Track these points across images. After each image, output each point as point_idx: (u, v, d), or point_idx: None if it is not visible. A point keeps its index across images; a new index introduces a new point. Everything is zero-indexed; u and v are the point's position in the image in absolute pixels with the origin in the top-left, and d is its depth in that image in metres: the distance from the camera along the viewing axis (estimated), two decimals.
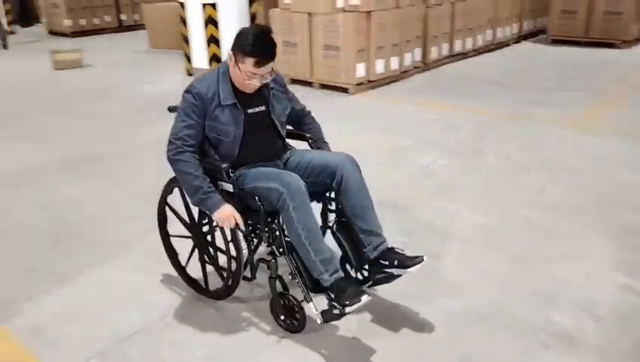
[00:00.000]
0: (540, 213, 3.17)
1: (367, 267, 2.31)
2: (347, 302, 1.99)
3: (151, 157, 4.35)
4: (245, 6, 7.04)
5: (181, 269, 2.59)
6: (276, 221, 2.20)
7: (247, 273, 2.34)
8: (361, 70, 6.07)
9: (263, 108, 2.31)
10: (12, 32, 11.46)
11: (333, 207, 2.37)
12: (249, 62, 2.12)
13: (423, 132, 4.71)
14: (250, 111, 2.27)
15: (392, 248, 2.25)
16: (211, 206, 2.16)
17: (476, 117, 5.01)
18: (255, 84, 2.20)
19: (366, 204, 2.24)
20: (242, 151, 2.26)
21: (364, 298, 2.00)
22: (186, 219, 2.46)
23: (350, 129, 4.77)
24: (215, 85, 2.22)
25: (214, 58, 6.91)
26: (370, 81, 6.24)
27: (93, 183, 3.90)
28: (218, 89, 2.21)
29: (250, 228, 2.29)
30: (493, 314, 2.33)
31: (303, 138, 2.52)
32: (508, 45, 8.70)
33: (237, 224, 2.15)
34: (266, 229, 2.19)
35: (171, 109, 2.41)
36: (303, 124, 2.54)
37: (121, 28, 12.11)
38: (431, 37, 6.94)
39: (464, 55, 7.72)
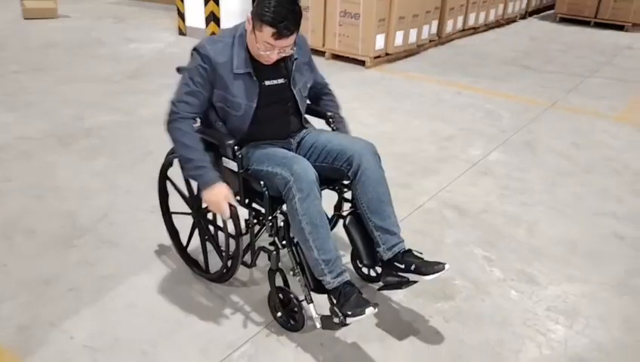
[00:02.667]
0: (627, 225, 2.84)
1: (379, 267, 2.10)
2: (349, 313, 1.77)
3: (159, 133, 3.77)
4: None
5: (182, 249, 2.39)
6: (279, 209, 1.97)
7: (248, 258, 2.13)
8: (380, 41, 5.55)
9: (282, 80, 2.01)
10: None
11: (348, 195, 2.10)
12: (267, 31, 1.79)
13: (460, 118, 4.28)
14: (267, 83, 1.97)
15: (409, 250, 2.00)
16: (202, 183, 1.92)
17: (512, 103, 4.61)
18: (272, 57, 1.87)
19: (384, 198, 1.98)
20: (253, 126, 1.98)
21: (369, 310, 1.76)
22: (186, 193, 2.24)
23: (377, 110, 4.30)
24: (229, 49, 1.91)
25: (212, 17, 6.25)
26: (387, 54, 5.74)
27: (97, 165, 3.30)
28: (232, 54, 1.90)
29: (254, 212, 2.05)
30: (626, 358, 1.98)
31: (321, 115, 2.23)
32: (515, 21, 8.33)
33: (230, 208, 1.90)
34: (269, 217, 1.94)
35: (180, 70, 2.10)
36: (320, 99, 2.27)
37: None
38: (448, 9, 6.47)
39: (475, 30, 7.30)
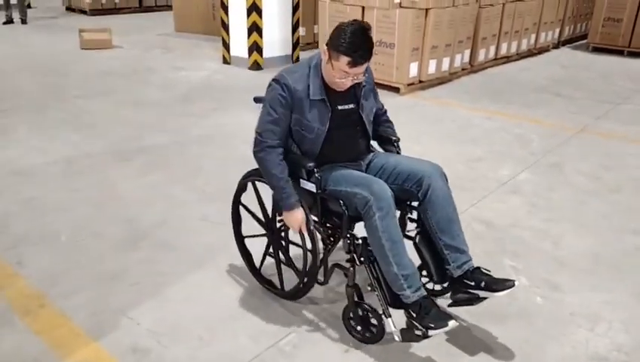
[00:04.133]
0: None
1: (448, 285, 2.19)
2: (432, 325, 1.87)
3: (208, 152, 4.11)
4: None
5: (255, 270, 2.51)
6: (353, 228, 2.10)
7: (320, 276, 2.24)
8: (414, 69, 5.82)
9: (352, 105, 2.19)
10: (30, 6, 11.05)
11: (413, 215, 2.23)
12: (343, 60, 1.98)
13: (490, 141, 4.48)
14: (339, 107, 2.15)
15: (478, 268, 2.10)
16: (284, 205, 2.11)
17: (542, 128, 4.78)
18: (347, 83, 2.06)
19: (452, 217, 2.10)
20: (325, 148, 2.15)
21: (452, 323, 1.87)
22: (260, 216, 2.41)
23: (410, 134, 4.53)
24: (306, 78, 2.10)
25: (255, 47, 6.64)
26: (420, 82, 6.00)
27: (152, 179, 3.63)
28: (309, 82, 2.09)
29: (330, 231, 2.20)
30: None
31: (384, 139, 2.39)
32: (548, 50, 8.49)
33: (302, 229, 2.11)
34: (347, 235, 2.06)
35: (257, 100, 2.32)
36: (380, 124, 2.41)
37: (141, 8, 11.78)
38: (480, 38, 6.70)
39: (507, 58, 7.49)
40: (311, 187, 2.12)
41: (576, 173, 3.86)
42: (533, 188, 3.61)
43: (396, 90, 5.86)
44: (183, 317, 2.31)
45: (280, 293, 2.39)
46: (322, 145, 2.14)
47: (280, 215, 2.23)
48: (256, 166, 2.23)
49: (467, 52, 6.59)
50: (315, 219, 2.18)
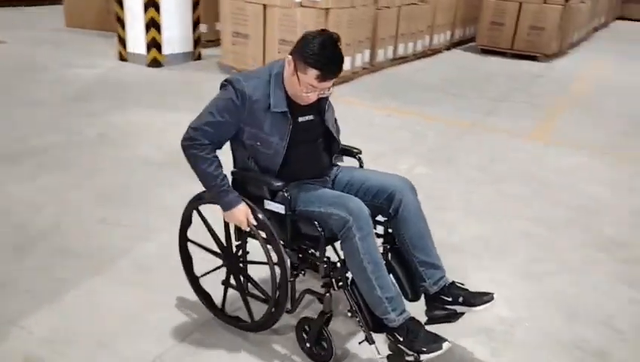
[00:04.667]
0: (531, 225, 3.26)
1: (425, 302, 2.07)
2: (424, 349, 1.77)
3: (105, 152, 3.94)
4: None
5: (218, 310, 2.24)
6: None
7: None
8: None
9: (314, 117, 2.03)
10: None
11: (378, 230, 2.09)
12: (312, 74, 1.82)
13: (391, 138, 4.69)
14: (300, 119, 1.98)
15: (454, 282, 2.03)
16: (224, 204, 1.96)
17: (437, 125, 5.08)
18: (312, 97, 1.91)
19: (425, 233, 2.01)
20: (286, 165, 1.97)
21: (445, 345, 1.78)
22: (214, 245, 2.16)
23: None
24: (265, 87, 1.91)
25: (153, 44, 6.43)
26: None
27: (44, 181, 3.41)
28: (269, 92, 1.91)
29: (299, 255, 2.02)
30: (526, 331, 2.34)
31: (348, 152, 2.25)
32: (440, 52, 9.01)
33: (249, 221, 1.95)
34: (325, 259, 1.92)
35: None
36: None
37: (28, 2, 10.93)
38: (379, 39, 6.98)
39: (404, 59, 7.86)
40: (277, 208, 1.93)
41: (466, 166, 4.15)
42: (429, 181, 3.83)
43: None
44: (80, 323, 2.21)
45: (251, 326, 2.15)
46: (283, 161, 1.96)
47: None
48: (196, 192, 2.08)
49: (367, 52, 6.83)
50: (282, 241, 1.98)
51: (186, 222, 2.20)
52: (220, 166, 1.96)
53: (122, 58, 6.73)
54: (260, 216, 1.96)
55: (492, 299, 1.93)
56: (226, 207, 1.95)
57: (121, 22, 6.59)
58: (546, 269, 2.80)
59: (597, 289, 2.66)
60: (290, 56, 1.88)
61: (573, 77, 7.73)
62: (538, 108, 5.94)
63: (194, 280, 2.28)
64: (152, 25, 6.37)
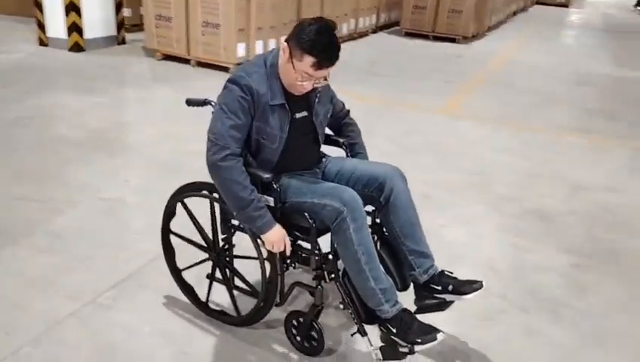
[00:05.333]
0: (433, 188, 3.55)
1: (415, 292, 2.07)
2: (419, 340, 1.77)
3: (24, 134, 3.91)
4: None
5: (202, 304, 2.22)
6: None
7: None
8: (241, 50, 6.03)
9: (306, 113, 1.99)
10: None
11: (367, 220, 2.00)
12: (307, 61, 1.77)
13: None
14: (297, 115, 1.95)
15: (443, 271, 2.03)
16: (262, 226, 1.83)
17: (363, 103, 5.32)
18: (307, 87, 1.86)
19: (415, 221, 1.99)
20: (282, 158, 1.94)
21: (440, 336, 1.77)
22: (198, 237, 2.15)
23: None
24: (266, 80, 1.84)
25: (74, 28, 6.31)
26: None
27: None
28: (269, 85, 1.85)
29: (291, 247, 1.98)
30: None
31: (336, 143, 2.20)
32: (367, 35, 9.28)
33: (285, 249, 1.89)
34: (316, 251, 1.90)
35: (190, 102, 2.11)
36: (341, 128, 2.23)
37: None
38: None
39: None
40: (267, 200, 1.90)
41: (384, 139, 4.40)
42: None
43: (226, 69, 6.03)
44: None
45: (237, 321, 2.14)
46: (280, 155, 1.94)
47: (259, 238, 1.93)
48: (177, 185, 2.00)
49: None
50: None
51: (168, 215, 2.15)
52: (251, 182, 1.85)
53: (42, 43, 6.55)
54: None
55: (481, 286, 1.95)
56: (265, 228, 1.84)
57: (39, 5, 6.40)
58: (440, 223, 3.08)
59: (483, 238, 2.97)
60: (285, 43, 1.82)
61: (489, 57, 8.19)
62: (454, 86, 6.30)
63: (176, 273, 2.24)
64: (72, 8, 6.23)
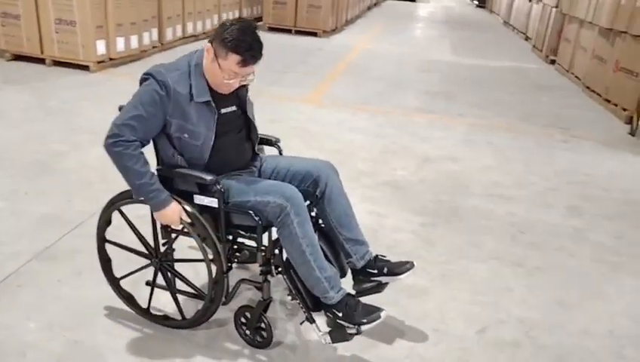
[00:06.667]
0: None
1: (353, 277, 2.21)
2: (364, 321, 1.90)
3: None
4: None
5: (144, 310, 2.20)
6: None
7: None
8: (101, 47, 5.88)
9: (235, 108, 2.04)
10: None
11: None
12: (233, 59, 1.84)
13: None
14: (223, 111, 1.98)
15: (377, 255, 2.19)
16: (156, 203, 1.90)
17: None
18: (234, 85, 1.93)
19: (349, 212, 2.14)
20: (213, 157, 1.97)
21: (383, 314, 1.93)
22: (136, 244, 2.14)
23: (106, 108, 4.69)
24: (186, 79, 1.89)
25: None
26: (111, 59, 6.10)
27: None
28: (190, 83, 1.89)
29: (234, 246, 2.08)
30: None
31: (267, 141, 2.29)
32: None
33: (183, 219, 1.92)
34: (262, 247, 1.98)
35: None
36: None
37: None
38: (166, 18, 7.10)
39: (196, 37, 8.09)
40: (211, 202, 1.93)
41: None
42: None
43: (86, 67, 5.84)
44: None
45: (183, 324, 2.16)
46: (210, 153, 1.96)
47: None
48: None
49: (155, 30, 6.92)
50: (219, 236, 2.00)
51: (104, 223, 2.14)
52: (147, 163, 1.89)
53: None
54: (191, 210, 1.95)
55: (413, 266, 2.15)
56: (158, 207, 1.90)
57: None
58: None
59: None
60: (209, 44, 1.88)
61: (347, 49, 8.78)
62: (315, 77, 6.72)
63: (114, 282, 2.23)
64: None
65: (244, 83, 1.96)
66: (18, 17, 5.77)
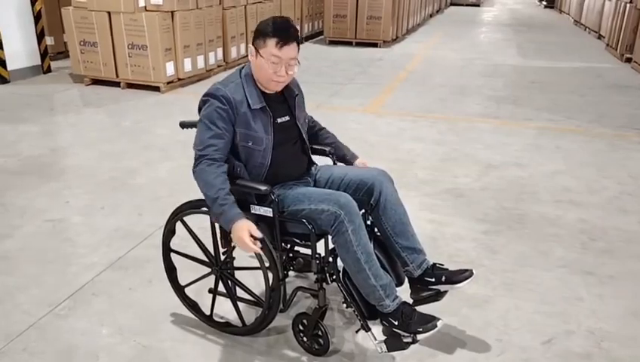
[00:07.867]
0: None
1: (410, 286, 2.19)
2: (420, 329, 1.90)
3: None
4: (26, 3, 6.53)
5: (207, 317, 2.29)
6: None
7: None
8: (170, 68, 6.19)
9: (288, 118, 2.11)
10: None
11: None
12: (271, 43, 1.93)
13: None
14: (279, 120, 2.07)
15: (435, 264, 2.16)
16: (227, 219, 1.88)
17: None
18: (281, 73, 1.97)
19: (405, 220, 2.12)
20: (271, 168, 2.03)
21: (440, 323, 1.92)
22: (201, 251, 2.21)
23: (173, 123, 4.93)
24: (241, 89, 2.00)
25: None
26: (180, 79, 6.40)
27: None
28: (245, 92, 2.00)
29: (290, 254, 2.12)
30: None
31: (322, 153, 2.32)
32: None
33: (255, 240, 1.87)
34: (317, 255, 2.00)
35: (184, 125, 2.24)
36: (317, 135, 2.36)
37: None
38: (230, 37, 7.37)
39: None
40: (266, 211, 1.98)
41: None
42: None
43: (157, 89, 6.17)
44: None
45: (242, 331, 2.23)
46: (269, 163, 2.01)
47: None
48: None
49: (220, 50, 7.20)
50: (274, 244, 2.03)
51: (168, 233, 2.23)
52: (226, 181, 1.92)
53: None
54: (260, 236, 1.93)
55: (472, 274, 2.10)
56: (231, 220, 1.87)
57: None
58: None
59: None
60: (251, 47, 2.01)
61: (408, 57, 8.72)
62: (375, 87, 6.72)
63: (179, 290, 2.33)
64: None
65: (291, 72, 2.00)
66: (95, 45, 6.19)
